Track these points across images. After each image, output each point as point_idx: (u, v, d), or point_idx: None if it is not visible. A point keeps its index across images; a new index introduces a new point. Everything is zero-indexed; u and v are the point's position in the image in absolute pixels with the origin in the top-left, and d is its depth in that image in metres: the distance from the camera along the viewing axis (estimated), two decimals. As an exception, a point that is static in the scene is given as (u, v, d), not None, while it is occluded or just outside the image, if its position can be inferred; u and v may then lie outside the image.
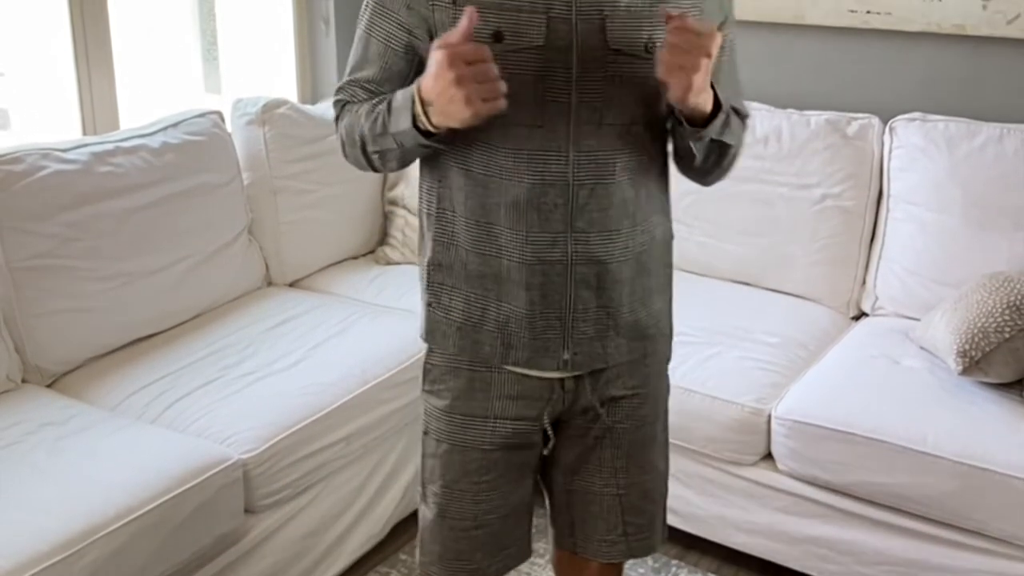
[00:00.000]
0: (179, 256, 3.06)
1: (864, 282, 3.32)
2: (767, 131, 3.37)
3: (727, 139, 1.75)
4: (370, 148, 1.75)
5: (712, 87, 1.66)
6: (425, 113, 1.60)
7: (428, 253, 1.82)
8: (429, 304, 1.85)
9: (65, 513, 2.20)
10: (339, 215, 3.59)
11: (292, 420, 2.65)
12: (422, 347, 1.91)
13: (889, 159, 3.25)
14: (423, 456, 1.93)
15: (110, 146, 2.94)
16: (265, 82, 3.99)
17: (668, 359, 1.96)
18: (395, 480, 3.01)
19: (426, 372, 1.90)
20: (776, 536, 2.84)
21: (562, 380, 1.83)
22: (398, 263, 3.64)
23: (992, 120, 3.15)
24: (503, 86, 1.54)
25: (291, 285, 3.51)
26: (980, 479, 2.51)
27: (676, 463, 2.78)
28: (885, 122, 3.28)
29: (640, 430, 1.91)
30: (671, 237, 1.88)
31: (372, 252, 3.75)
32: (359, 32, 1.78)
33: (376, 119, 1.71)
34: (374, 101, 1.75)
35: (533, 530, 2.01)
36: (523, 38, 1.63)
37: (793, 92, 3.50)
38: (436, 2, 1.67)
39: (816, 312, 3.29)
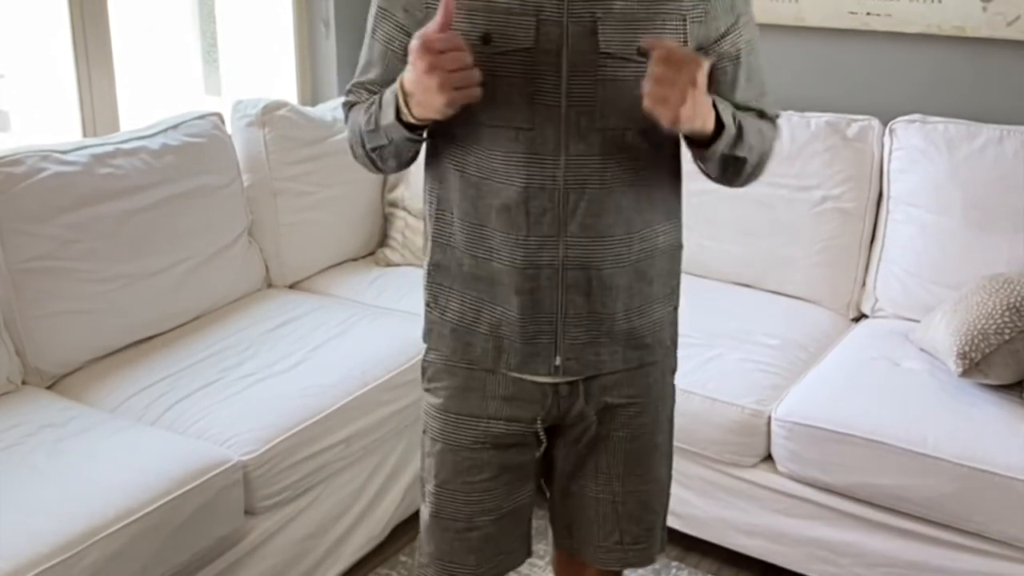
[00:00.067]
0: (179, 258, 3.06)
1: (864, 284, 3.32)
2: (767, 133, 3.37)
3: (740, 153, 1.71)
4: (368, 146, 1.77)
5: (715, 105, 1.63)
6: (407, 105, 1.62)
7: (428, 254, 1.84)
8: (428, 304, 1.87)
9: (65, 515, 2.20)
10: (339, 217, 3.59)
11: (292, 422, 2.65)
12: (422, 348, 1.92)
13: (889, 161, 3.25)
14: (421, 455, 1.94)
15: (110, 148, 2.94)
16: (265, 84, 4.00)
17: (673, 369, 1.94)
18: (395, 482, 3.01)
19: (424, 370, 1.91)
20: (776, 538, 2.84)
21: (557, 385, 1.82)
22: (398, 265, 3.64)
23: (992, 122, 3.15)
24: (477, 75, 1.55)
25: (291, 287, 3.51)
26: (980, 481, 2.51)
27: (676, 465, 2.77)
28: (885, 124, 3.28)
29: (638, 440, 1.89)
30: (678, 246, 1.85)
31: (372, 254, 3.75)
32: (366, 35, 1.81)
33: (370, 116, 1.73)
34: (371, 100, 1.76)
35: (533, 532, 2.01)
36: (511, 40, 1.63)
37: (793, 94, 3.50)
38: (430, 4, 1.68)
39: (816, 314, 3.29)
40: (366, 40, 1.80)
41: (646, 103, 1.54)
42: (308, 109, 3.57)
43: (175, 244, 3.05)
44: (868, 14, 3.36)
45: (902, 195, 3.22)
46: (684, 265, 1.92)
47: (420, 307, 1.91)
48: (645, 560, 1.98)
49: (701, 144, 1.67)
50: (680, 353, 1.96)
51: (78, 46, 3.15)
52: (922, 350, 2.95)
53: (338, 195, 3.56)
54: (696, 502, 2.93)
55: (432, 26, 1.54)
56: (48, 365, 2.80)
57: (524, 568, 2.83)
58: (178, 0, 3.97)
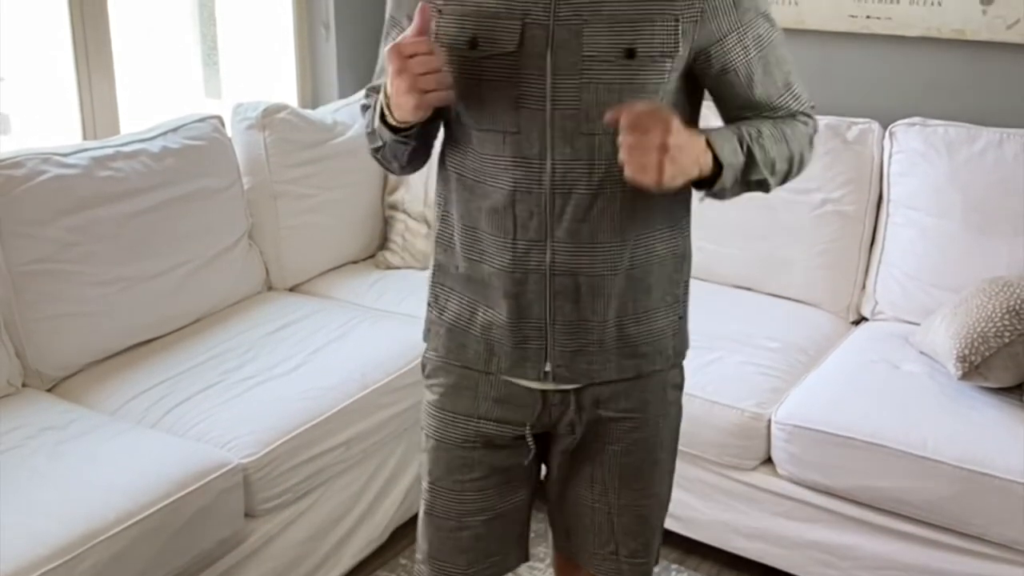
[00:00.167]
0: (179, 260, 3.07)
1: (864, 287, 3.32)
2: (767, 136, 3.37)
3: (756, 177, 1.68)
4: (370, 147, 1.80)
5: (710, 144, 1.59)
6: (389, 108, 1.65)
7: (432, 254, 1.86)
8: (429, 303, 1.88)
9: (65, 517, 2.20)
10: (339, 219, 3.59)
11: (292, 424, 2.65)
12: (422, 350, 1.93)
13: (889, 164, 3.25)
14: (421, 452, 1.95)
15: (110, 151, 2.94)
16: (265, 87, 4.00)
17: (677, 385, 1.90)
18: (395, 484, 3.01)
19: (423, 366, 1.92)
20: (776, 541, 2.84)
21: (547, 392, 1.81)
22: (398, 267, 3.64)
23: (992, 125, 3.15)
24: (446, 78, 1.56)
25: (291, 290, 3.51)
26: (980, 484, 2.51)
27: (676, 468, 2.78)
28: (885, 127, 3.28)
29: (633, 454, 1.86)
30: (683, 254, 1.81)
31: (372, 256, 3.75)
32: (381, 40, 1.84)
33: (368, 119, 1.76)
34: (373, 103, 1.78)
35: (532, 534, 2.01)
36: (495, 44, 1.63)
37: (793, 97, 3.49)
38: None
39: (816, 317, 3.29)
40: (381, 46, 1.83)
41: (626, 173, 1.52)
42: (308, 112, 3.57)
43: (175, 247, 3.05)
44: (868, 17, 3.37)
45: (902, 198, 3.22)
46: (685, 268, 1.90)
47: (420, 310, 1.92)
48: (641, 574, 1.96)
49: (707, 183, 1.64)
50: (682, 358, 1.94)
51: (78, 49, 3.15)
52: (922, 353, 2.95)
53: (338, 198, 3.57)
54: (696, 505, 2.93)
55: (408, 31, 1.56)
56: (48, 368, 2.80)
57: (524, 570, 2.83)
58: (178, 3, 3.97)
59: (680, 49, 1.62)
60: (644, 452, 1.86)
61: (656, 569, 2.81)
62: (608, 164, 1.64)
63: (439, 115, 1.70)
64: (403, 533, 3.03)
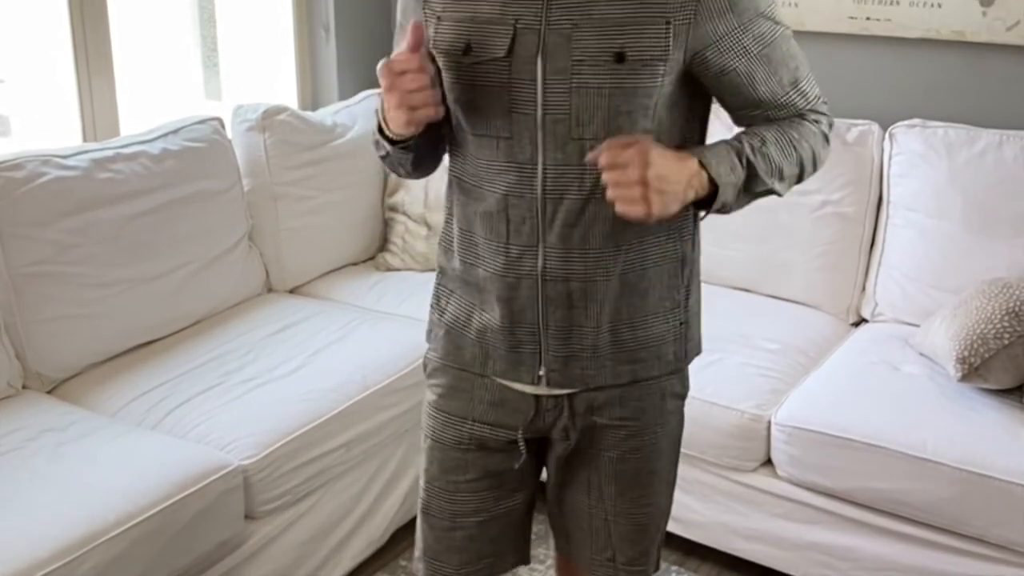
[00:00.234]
0: (179, 262, 3.07)
1: (864, 288, 3.32)
2: (767, 137, 3.37)
3: (760, 188, 1.67)
4: (377, 154, 1.81)
5: (704, 164, 1.58)
6: (385, 120, 1.68)
7: (438, 255, 1.87)
8: (431, 304, 1.89)
9: (65, 519, 2.20)
10: (339, 221, 3.59)
11: (292, 426, 2.65)
12: (422, 352, 1.93)
13: (889, 165, 3.25)
14: (420, 450, 1.96)
15: (110, 152, 2.94)
16: (265, 88, 4.00)
17: (677, 394, 1.88)
18: (395, 486, 3.01)
19: (424, 366, 1.93)
20: (776, 542, 2.84)
21: (540, 397, 1.81)
22: (398, 269, 3.64)
23: (992, 126, 3.15)
24: (435, 95, 1.58)
25: (291, 291, 3.51)
26: (980, 485, 2.51)
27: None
28: (885, 128, 3.28)
29: (629, 462, 1.84)
30: (683, 258, 1.78)
31: (372, 258, 3.75)
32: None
33: (375, 128, 1.77)
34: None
35: (533, 536, 2.01)
36: (487, 50, 1.63)
37: (793, 98, 3.50)
38: (428, 19, 1.71)
39: (816, 318, 3.29)
40: (393, 50, 1.85)
41: (616, 210, 1.54)
42: (308, 114, 3.57)
43: (175, 249, 3.06)
44: (868, 19, 3.37)
45: (902, 200, 3.22)
46: (684, 270, 1.89)
47: (420, 312, 1.94)
48: None
49: (707, 202, 1.63)
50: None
51: (78, 51, 3.15)
52: (922, 355, 2.95)
53: (338, 200, 3.57)
54: (696, 506, 2.93)
55: (401, 47, 1.58)
56: (48, 369, 2.80)
57: (524, 571, 2.83)
58: (178, 4, 3.98)
59: (672, 53, 1.60)
60: (641, 461, 1.85)
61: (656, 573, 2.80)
62: (599, 170, 1.63)
63: (441, 123, 1.71)
64: (403, 535, 3.03)
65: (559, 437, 1.84)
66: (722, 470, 2.87)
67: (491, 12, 1.63)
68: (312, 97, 4.01)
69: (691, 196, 1.58)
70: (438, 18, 1.68)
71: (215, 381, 2.80)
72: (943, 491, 2.55)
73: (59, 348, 2.81)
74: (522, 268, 1.71)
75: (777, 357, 3.01)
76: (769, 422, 2.78)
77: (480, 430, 1.84)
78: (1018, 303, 2.68)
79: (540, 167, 1.65)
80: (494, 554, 1.93)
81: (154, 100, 3.80)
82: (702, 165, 1.58)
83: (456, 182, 1.77)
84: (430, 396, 1.90)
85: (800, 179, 1.76)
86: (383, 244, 3.74)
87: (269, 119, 3.37)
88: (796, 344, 3.10)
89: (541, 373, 1.77)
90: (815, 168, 1.77)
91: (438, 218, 3.56)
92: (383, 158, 1.79)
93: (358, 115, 3.67)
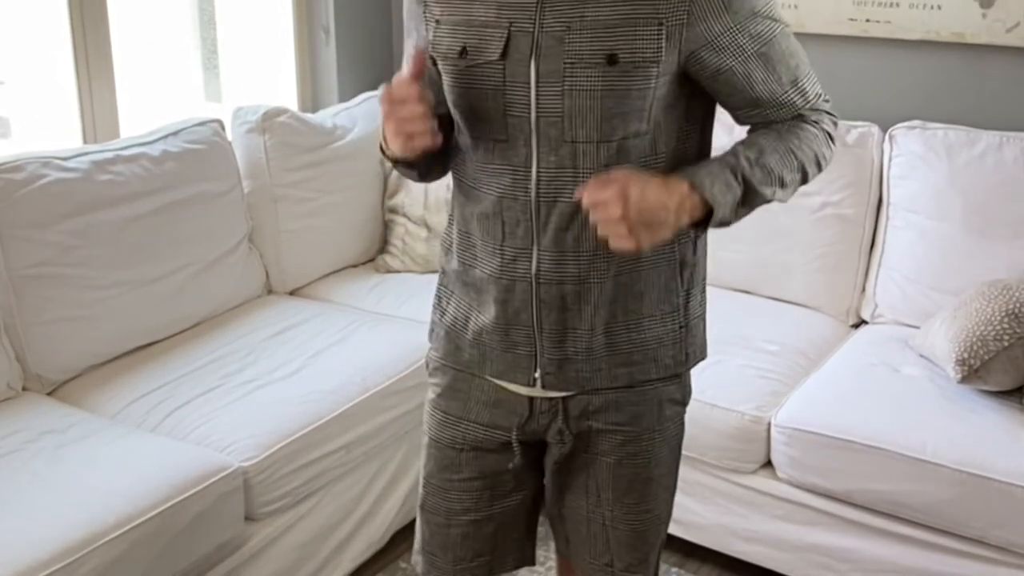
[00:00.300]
0: (179, 264, 3.07)
1: (864, 290, 3.32)
2: (767, 139, 3.37)
3: (758, 202, 1.67)
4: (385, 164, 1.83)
5: (694, 185, 1.58)
6: (385, 139, 1.71)
7: (439, 256, 1.89)
8: (433, 304, 1.91)
9: (65, 521, 2.20)
10: (339, 223, 3.60)
11: (292, 428, 2.65)
12: (422, 354, 1.94)
13: (889, 167, 3.26)
14: (421, 446, 1.98)
15: (110, 154, 2.94)
16: (265, 90, 4.00)
17: (676, 400, 1.87)
18: (395, 488, 3.01)
19: (426, 364, 1.94)
20: (776, 544, 2.84)
21: (535, 399, 1.81)
22: (398, 271, 3.64)
23: (992, 128, 3.15)
24: (432, 125, 1.60)
25: (291, 293, 3.51)
26: (980, 487, 2.51)
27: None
28: (885, 130, 3.28)
29: (626, 467, 1.84)
30: (682, 260, 1.77)
31: (372, 260, 3.75)
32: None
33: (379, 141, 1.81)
34: None
35: (535, 539, 2.01)
36: (482, 53, 1.64)
37: (792, 100, 3.50)
38: (428, 23, 1.72)
39: (816, 320, 3.29)
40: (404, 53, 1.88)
41: (611, 246, 1.54)
42: (308, 116, 3.57)
43: (175, 250, 3.06)
44: (868, 21, 3.37)
45: (902, 201, 3.23)
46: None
47: (420, 313, 1.95)
48: None
49: (705, 220, 1.63)
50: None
51: (78, 52, 3.16)
52: (922, 356, 2.95)
53: (338, 201, 3.57)
54: (696, 508, 2.93)
55: (403, 73, 1.60)
56: (48, 371, 2.80)
57: (524, 572, 2.83)
58: (178, 6, 3.98)
59: (665, 54, 1.59)
60: (638, 467, 1.84)
61: (656, 573, 2.79)
62: (592, 173, 1.63)
63: (449, 130, 1.73)
64: (403, 536, 3.03)
65: (555, 440, 1.84)
66: (722, 472, 2.87)
67: (486, 16, 1.64)
68: (312, 99, 4.02)
69: (684, 220, 1.57)
70: (437, 21, 1.69)
71: (215, 383, 2.81)
72: (943, 493, 2.55)
73: (59, 350, 2.81)
74: (516, 270, 1.72)
75: (777, 359, 3.01)
76: (769, 424, 2.78)
77: (475, 431, 1.85)
78: (1018, 305, 2.68)
79: (534, 170, 1.66)
80: (489, 553, 1.94)
81: (154, 102, 3.80)
82: (694, 187, 1.58)
83: (457, 183, 1.79)
84: (430, 395, 1.92)
85: (805, 181, 1.74)
86: (383, 246, 3.74)
87: (269, 121, 3.37)
88: (796, 346, 3.10)
89: (537, 375, 1.77)
90: (820, 169, 1.75)
91: (438, 220, 3.56)
92: (392, 166, 1.82)
93: (358, 117, 3.68)
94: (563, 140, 1.63)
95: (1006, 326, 2.65)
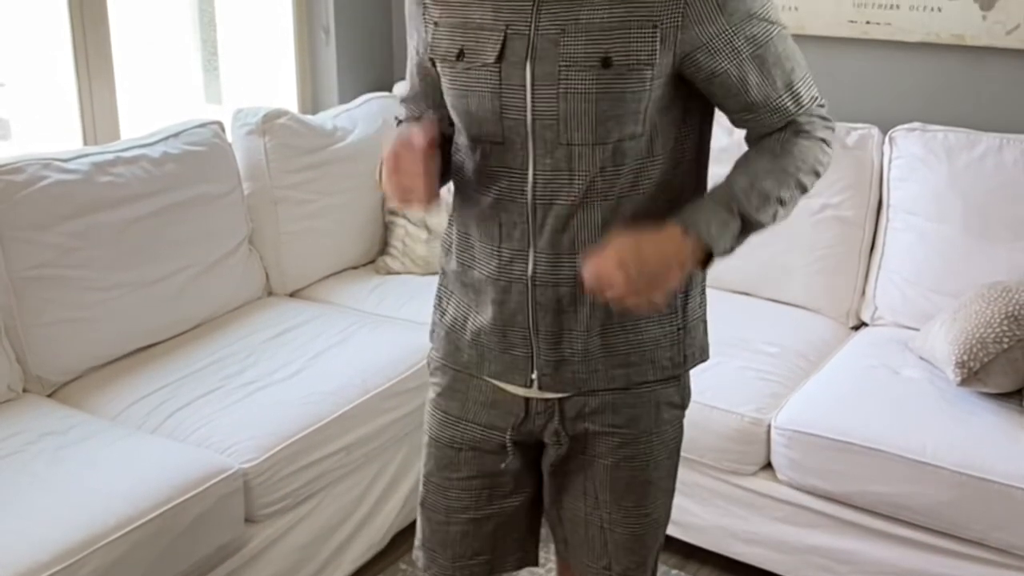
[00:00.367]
0: (180, 266, 3.07)
1: (864, 292, 3.32)
2: (767, 141, 3.37)
3: (758, 230, 1.68)
4: None
5: (688, 229, 1.59)
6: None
7: (439, 257, 1.89)
8: (434, 304, 1.91)
9: (65, 522, 2.20)
10: (339, 225, 3.60)
11: (293, 430, 2.65)
12: (422, 356, 1.95)
13: (889, 169, 3.26)
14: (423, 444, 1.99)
15: (111, 156, 2.94)
16: (265, 92, 4.00)
17: (674, 404, 1.86)
18: (395, 490, 3.01)
19: (428, 363, 1.95)
20: (776, 546, 2.84)
21: (534, 400, 1.81)
22: (398, 273, 3.64)
23: (992, 130, 3.15)
24: (429, 192, 1.62)
25: (291, 295, 3.51)
26: (979, 489, 2.51)
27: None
28: (885, 132, 3.28)
29: (623, 470, 1.83)
30: None
31: (372, 262, 3.75)
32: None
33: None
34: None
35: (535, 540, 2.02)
36: (479, 55, 1.65)
37: (792, 102, 3.50)
38: (427, 25, 1.73)
39: (816, 322, 3.29)
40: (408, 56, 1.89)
41: (628, 307, 1.58)
42: (308, 117, 3.58)
43: (176, 252, 3.06)
44: (868, 23, 3.37)
45: (902, 203, 3.23)
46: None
47: (420, 315, 1.95)
48: None
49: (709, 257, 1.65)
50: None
51: (79, 54, 3.16)
52: (921, 358, 2.95)
53: (338, 203, 3.57)
54: (695, 510, 2.93)
55: (417, 136, 1.61)
56: (49, 373, 2.80)
57: (523, 572, 2.83)
58: (178, 8, 3.98)
59: (659, 57, 1.59)
60: (636, 469, 1.84)
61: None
62: (594, 176, 1.64)
63: (447, 140, 1.76)
64: (404, 538, 3.03)
65: (551, 442, 1.84)
66: (722, 474, 2.87)
67: (483, 18, 1.64)
68: (312, 100, 4.02)
69: (687, 268, 1.60)
70: (435, 24, 1.70)
71: (215, 385, 2.81)
72: (943, 495, 2.55)
73: (59, 352, 2.81)
74: (513, 272, 1.72)
75: (777, 361, 3.02)
76: (769, 426, 2.78)
77: (473, 431, 1.86)
78: (1017, 307, 2.68)
79: (530, 172, 1.66)
80: (488, 552, 1.94)
81: (154, 104, 3.80)
82: (687, 231, 1.59)
83: (457, 184, 1.79)
84: (431, 394, 1.93)
85: (804, 192, 1.74)
86: (383, 247, 3.74)
87: (269, 123, 3.37)
88: (796, 348, 3.10)
89: (533, 376, 1.77)
90: (818, 177, 1.75)
91: (438, 221, 3.56)
92: None
93: (358, 118, 3.68)
94: (559, 143, 1.63)
95: (1006, 328, 2.65)
